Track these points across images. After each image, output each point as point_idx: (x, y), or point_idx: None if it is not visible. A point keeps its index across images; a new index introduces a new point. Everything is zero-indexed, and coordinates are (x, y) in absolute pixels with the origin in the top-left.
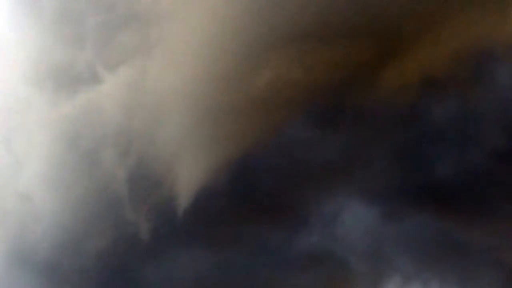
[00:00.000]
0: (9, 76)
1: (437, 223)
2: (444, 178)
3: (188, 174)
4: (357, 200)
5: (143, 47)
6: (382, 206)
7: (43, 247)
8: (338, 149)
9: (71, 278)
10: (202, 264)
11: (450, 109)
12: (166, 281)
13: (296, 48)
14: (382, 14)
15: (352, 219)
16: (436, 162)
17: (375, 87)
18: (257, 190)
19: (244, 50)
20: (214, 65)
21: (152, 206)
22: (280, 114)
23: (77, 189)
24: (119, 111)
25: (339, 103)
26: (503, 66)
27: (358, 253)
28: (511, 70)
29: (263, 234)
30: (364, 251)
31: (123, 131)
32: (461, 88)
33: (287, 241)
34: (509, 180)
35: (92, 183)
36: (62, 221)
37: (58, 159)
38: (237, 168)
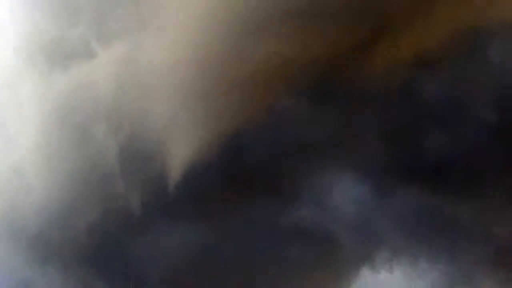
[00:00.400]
0: (1, 51)
1: (427, 198)
2: (435, 154)
3: (179, 149)
4: (348, 175)
5: (137, 22)
6: (372, 181)
7: (34, 221)
8: (330, 125)
9: (61, 252)
10: (192, 238)
11: (442, 86)
12: (156, 254)
13: (290, 25)
14: None
15: (343, 194)
16: (427, 138)
17: (369, 64)
18: (248, 166)
19: (239, 26)
20: (207, 41)
21: (143, 181)
22: (273, 90)
23: (68, 164)
24: (112, 86)
25: (332, 80)
26: (495, 43)
27: (347, 227)
28: (503, 47)
29: (253, 209)
30: (354, 225)
31: (116, 106)
32: (454, 65)
33: (277, 215)
34: (499, 156)
35: (84, 157)
36: (53, 195)
37: (50, 134)
38: (229, 144)
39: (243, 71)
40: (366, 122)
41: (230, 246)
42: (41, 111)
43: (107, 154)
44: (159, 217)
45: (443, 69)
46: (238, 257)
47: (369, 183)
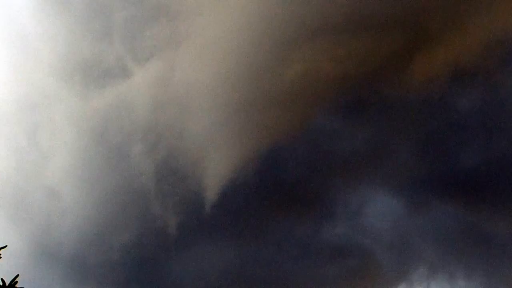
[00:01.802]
0: (36, 71)
1: (462, 214)
2: (470, 169)
3: (215, 168)
4: (383, 191)
5: (171, 41)
6: (407, 197)
7: (69, 241)
8: (364, 140)
9: (97, 272)
10: (228, 256)
11: (476, 99)
12: (192, 273)
13: (326, 40)
14: (411, 6)
15: (378, 210)
16: (462, 152)
17: (404, 78)
18: (283, 182)
19: (273, 43)
20: (243, 59)
21: (179, 200)
22: (309, 106)
23: (104, 183)
24: (147, 105)
25: (366, 94)
26: None
27: (383, 244)
28: None
29: (289, 226)
30: (390, 242)
31: (152, 125)
32: (489, 78)
33: (313, 232)
34: None
35: (120, 177)
36: (89, 215)
37: (86, 153)
38: (264, 161)
39: (279, 88)
40: (400, 136)
41: (266, 264)
42: (76, 131)
43: (143, 174)
44: (195, 236)
45: (478, 82)
46: (274, 275)
47: (404, 198)
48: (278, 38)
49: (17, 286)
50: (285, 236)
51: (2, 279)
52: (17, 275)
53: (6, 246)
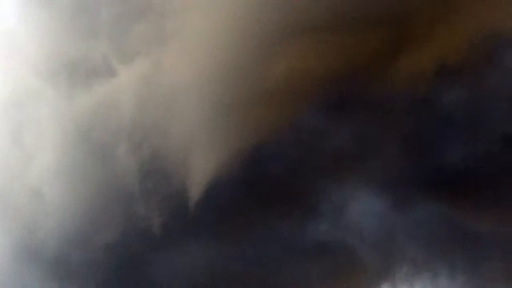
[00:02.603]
0: (20, 70)
1: (447, 212)
2: (455, 166)
3: (200, 167)
4: (367, 188)
5: (158, 40)
6: (391, 195)
7: (53, 242)
8: (349, 138)
9: (80, 272)
10: (212, 255)
11: (460, 96)
12: (176, 273)
13: (310, 38)
14: (395, 2)
15: (362, 208)
16: (445, 150)
17: (389, 76)
18: (267, 180)
19: (258, 41)
20: (228, 58)
21: (163, 199)
22: (294, 104)
23: (88, 183)
24: (133, 104)
25: (352, 92)
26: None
27: (367, 242)
28: None
29: (273, 224)
30: (374, 240)
31: (137, 124)
32: (475, 74)
33: (296, 230)
34: None
35: (103, 177)
36: (72, 216)
37: (70, 153)
38: (248, 159)
39: (263, 87)
40: (384, 134)
41: (250, 262)
42: (60, 130)
43: (127, 173)
44: (179, 235)
45: (463, 79)
46: (259, 273)
47: (388, 196)
48: (264, 36)
49: None
50: (269, 234)
51: None
52: None
53: None
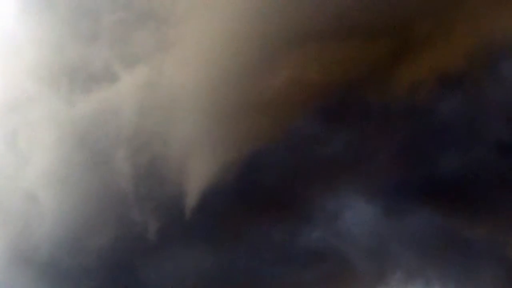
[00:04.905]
0: (21, 74)
1: (439, 220)
2: (448, 174)
3: (197, 173)
4: (360, 196)
5: (159, 46)
6: (384, 202)
7: (47, 246)
8: (343, 146)
9: (73, 277)
10: (206, 262)
11: (456, 104)
12: (169, 278)
13: (311, 47)
14: (396, 13)
15: (355, 216)
16: (439, 158)
17: (389, 85)
18: (261, 187)
19: (260, 50)
20: (229, 65)
21: (158, 205)
22: (291, 113)
23: (83, 188)
24: (133, 110)
25: (350, 100)
26: (508, 61)
27: (360, 250)
28: None
29: (266, 231)
30: (367, 248)
31: (136, 131)
32: (473, 84)
33: (290, 237)
34: None
35: (100, 182)
36: (66, 220)
37: (66, 158)
38: (244, 166)
39: (264, 94)
40: (378, 142)
41: (244, 268)
42: (59, 135)
43: (123, 179)
44: (174, 241)
45: (461, 88)
46: (252, 280)
47: (381, 204)
48: (264, 45)
49: None
50: (262, 240)
51: None
52: None
53: None
